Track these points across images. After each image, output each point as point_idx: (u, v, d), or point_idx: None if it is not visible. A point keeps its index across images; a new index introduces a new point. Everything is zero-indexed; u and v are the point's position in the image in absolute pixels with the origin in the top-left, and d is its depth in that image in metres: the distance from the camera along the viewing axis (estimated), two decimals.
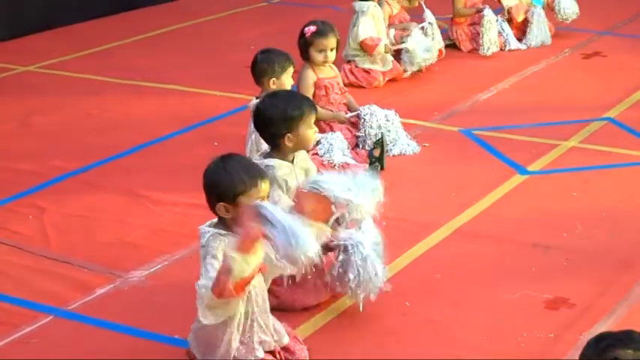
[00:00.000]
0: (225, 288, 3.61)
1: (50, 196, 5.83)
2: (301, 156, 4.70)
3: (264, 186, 3.92)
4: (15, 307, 4.64)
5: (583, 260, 5.00)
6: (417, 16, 8.23)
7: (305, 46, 6.55)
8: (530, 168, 6.17)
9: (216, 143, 6.48)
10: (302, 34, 6.58)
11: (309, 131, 4.62)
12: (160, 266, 5.00)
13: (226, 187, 3.87)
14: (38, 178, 6.06)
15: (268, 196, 4.02)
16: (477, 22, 8.75)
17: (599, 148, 6.49)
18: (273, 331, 4.04)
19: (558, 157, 6.35)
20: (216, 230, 3.90)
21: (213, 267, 3.74)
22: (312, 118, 4.64)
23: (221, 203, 3.89)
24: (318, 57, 6.55)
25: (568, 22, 9.06)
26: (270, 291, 4.15)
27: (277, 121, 4.56)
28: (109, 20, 10.06)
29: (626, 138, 6.67)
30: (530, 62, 8.42)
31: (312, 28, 6.52)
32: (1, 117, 7.23)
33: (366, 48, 7.76)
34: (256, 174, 3.93)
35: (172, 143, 6.69)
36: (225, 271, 3.60)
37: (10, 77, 8.24)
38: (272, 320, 4.06)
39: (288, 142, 4.57)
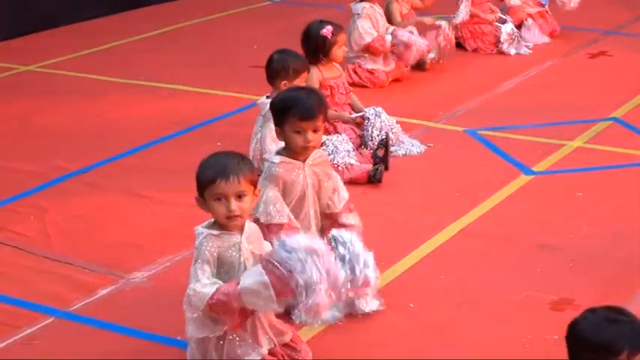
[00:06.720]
0: (232, 316, 3.76)
1: (52, 197, 5.81)
2: (318, 158, 4.64)
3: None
4: (16, 308, 4.62)
5: (589, 261, 4.97)
6: (424, 15, 8.18)
7: (329, 46, 6.54)
8: (535, 168, 6.13)
9: (219, 143, 6.45)
10: (320, 38, 6.51)
11: (294, 135, 4.52)
12: (162, 267, 4.97)
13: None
14: (39, 179, 6.03)
15: (258, 191, 4.01)
16: (481, 21, 8.71)
17: (604, 148, 6.46)
18: (275, 329, 4.01)
19: (564, 158, 6.32)
20: (210, 231, 3.90)
21: (205, 273, 3.80)
22: (298, 124, 4.50)
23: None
24: (339, 53, 6.60)
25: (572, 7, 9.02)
26: None
27: (273, 113, 4.70)
28: (110, 19, 10.04)
29: (632, 138, 6.64)
30: (535, 62, 8.39)
31: (330, 28, 6.53)
32: (1, 117, 7.20)
33: (374, 51, 7.72)
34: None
35: (174, 143, 6.66)
36: (237, 299, 3.71)
37: (12, 77, 8.22)
38: (274, 318, 4.03)
39: (281, 136, 4.62)
